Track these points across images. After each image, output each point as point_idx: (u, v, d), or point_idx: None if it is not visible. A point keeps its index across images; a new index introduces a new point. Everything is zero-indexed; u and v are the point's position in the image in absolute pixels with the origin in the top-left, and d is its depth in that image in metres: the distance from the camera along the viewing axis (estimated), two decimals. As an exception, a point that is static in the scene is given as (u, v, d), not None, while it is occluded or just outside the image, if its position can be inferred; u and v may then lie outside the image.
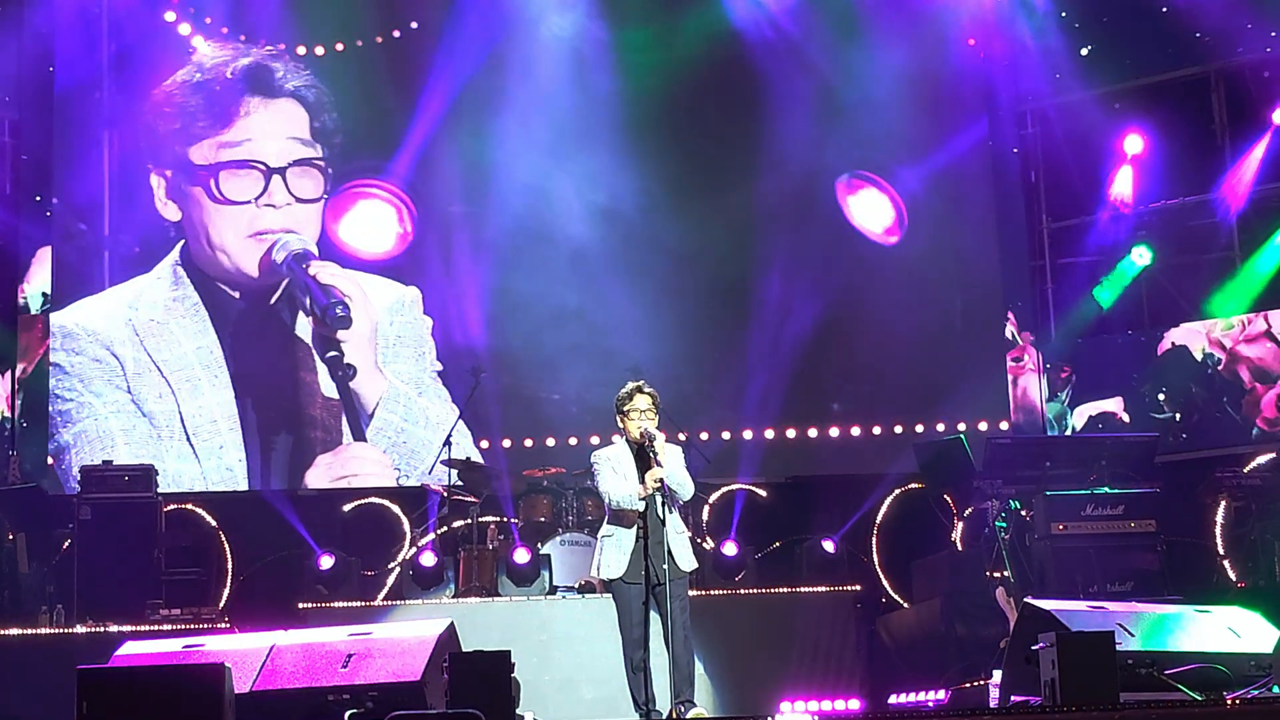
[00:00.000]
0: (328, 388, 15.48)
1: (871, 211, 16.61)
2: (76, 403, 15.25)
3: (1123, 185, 16.48)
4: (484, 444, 15.57)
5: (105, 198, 15.74)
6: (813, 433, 16.06)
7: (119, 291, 15.57)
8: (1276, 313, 15.83)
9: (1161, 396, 16.08)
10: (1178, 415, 15.97)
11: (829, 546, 14.60)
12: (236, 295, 15.62)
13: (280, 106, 15.80)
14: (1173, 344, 16.24)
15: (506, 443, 15.59)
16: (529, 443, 15.65)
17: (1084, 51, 16.54)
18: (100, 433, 15.15)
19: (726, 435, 15.87)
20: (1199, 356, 16.04)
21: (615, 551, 10.15)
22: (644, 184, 15.85)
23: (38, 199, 15.78)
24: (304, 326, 15.60)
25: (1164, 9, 16.11)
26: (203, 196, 15.60)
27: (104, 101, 15.83)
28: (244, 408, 15.42)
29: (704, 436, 15.50)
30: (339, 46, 16.09)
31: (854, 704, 12.69)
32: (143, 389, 15.28)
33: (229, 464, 15.35)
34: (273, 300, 15.62)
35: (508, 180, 15.86)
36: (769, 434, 15.96)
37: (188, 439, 15.26)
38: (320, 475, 15.40)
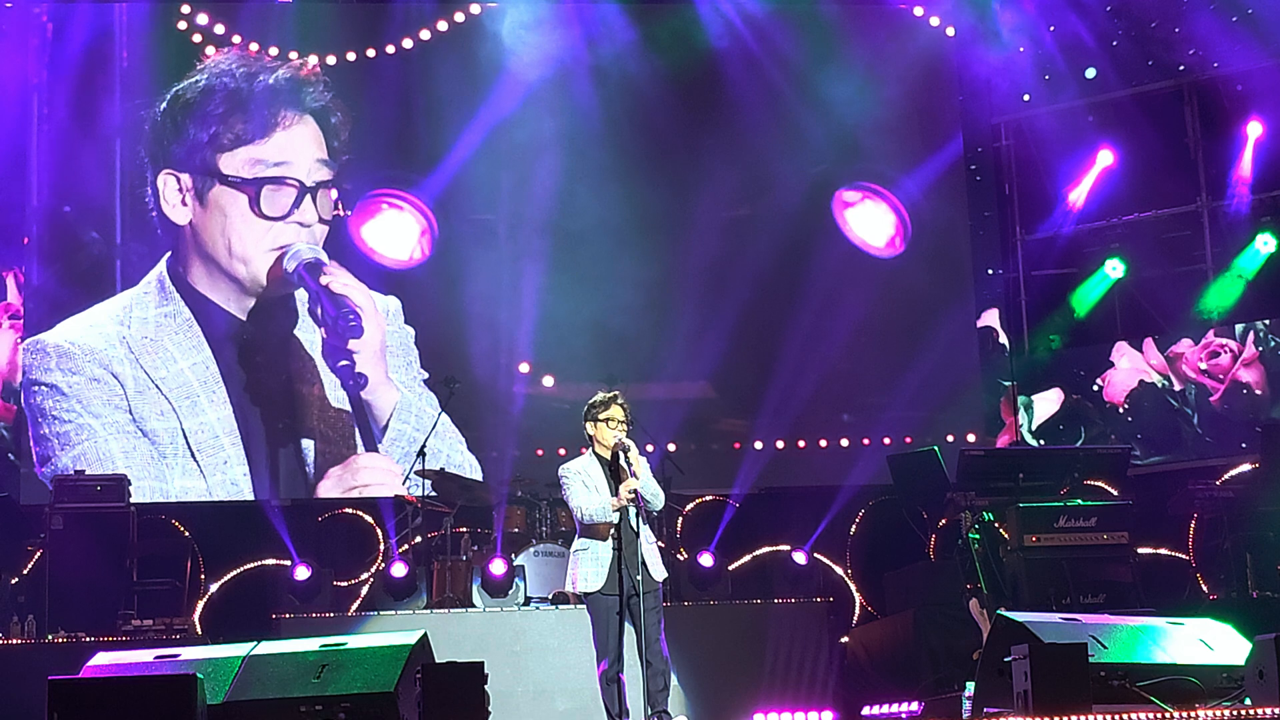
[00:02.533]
0: (334, 399, 15.41)
1: (870, 223, 16.62)
2: (75, 424, 15.09)
3: (1079, 193, 16.57)
4: (494, 453, 15.58)
5: (116, 206, 15.67)
6: (786, 444, 16.06)
7: (106, 308, 15.44)
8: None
9: (1155, 458, 16.04)
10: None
11: (799, 558, 14.60)
12: (241, 309, 15.49)
13: (308, 124, 15.73)
14: (1140, 382, 16.26)
15: (516, 453, 15.58)
16: (540, 452, 15.62)
17: (1053, 65, 16.64)
18: (100, 454, 14.97)
19: (695, 447, 15.88)
20: (1162, 384, 16.07)
21: (592, 564, 10.17)
22: (644, 201, 15.95)
23: (66, 209, 15.71)
24: (310, 337, 15.54)
25: (1136, 22, 16.19)
26: (231, 206, 15.47)
27: (117, 109, 15.75)
28: (246, 421, 15.33)
29: (672, 448, 15.52)
30: (350, 56, 16.06)
31: (827, 715, 12.70)
32: (143, 408, 15.15)
33: (234, 479, 15.26)
34: (273, 313, 15.55)
35: (525, 194, 15.90)
36: (742, 446, 15.98)
37: (192, 455, 15.18)
38: (331, 486, 15.33)
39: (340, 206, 15.70)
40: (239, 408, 15.33)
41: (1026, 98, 16.93)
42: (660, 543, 10.60)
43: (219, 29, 15.90)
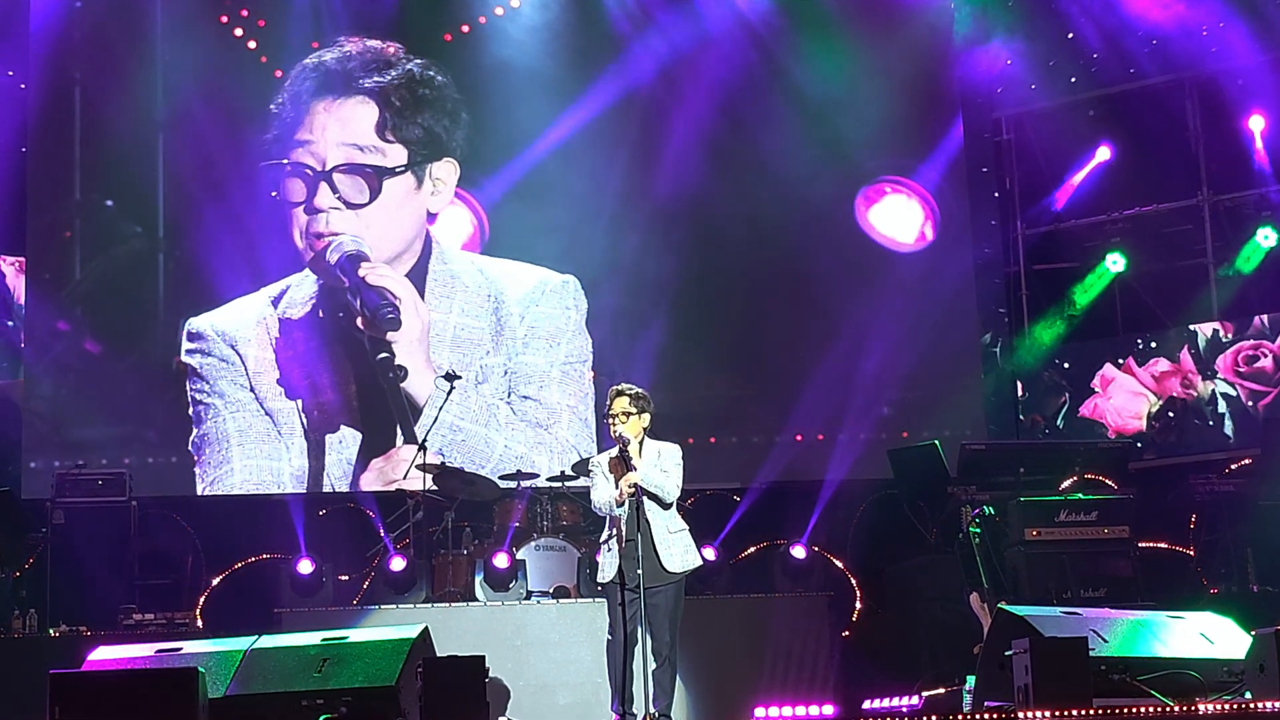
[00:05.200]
0: (373, 389, 15.33)
1: (897, 218, 16.60)
2: (204, 404, 15.23)
3: (1074, 181, 16.61)
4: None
5: (159, 200, 15.67)
6: (786, 438, 16.05)
7: (267, 290, 15.48)
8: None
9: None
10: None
11: (799, 553, 14.59)
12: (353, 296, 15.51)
13: (348, 106, 15.66)
14: (1171, 398, 16.14)
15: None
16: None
17: (1055, 59, 16.65)
18: (219, 434, 15.16)
19: (698, 442, 15.87)
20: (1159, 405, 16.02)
21: (608, 555, 10.26)
22: (661, 199, 16.01)
23: (109, 203, 15.69)
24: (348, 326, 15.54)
25: (1139, 16, 16.20)
26: (280, 200, 15.57)
27: (159, 104, 15.72)
28: (356, 405, 15.37)
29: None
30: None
31: (828, 709, 12.68)
32: (264, 387, 15.25)
33: (349, 458, 15.31)
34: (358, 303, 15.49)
35: (559, 197, 15.99)
36: (740, 440, 15.98)
37: (305, 435, 15.28)
38: (373, 479, 15.28)
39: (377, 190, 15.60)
40: (348, 393, 15.37)
41: (1009, 103, 17.00)
42: (686, 527, 10.51)
43: (260, 23, 15.88)
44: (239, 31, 15.86)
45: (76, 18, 15.75)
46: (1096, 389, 16.39)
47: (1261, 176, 16.04)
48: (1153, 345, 16.22)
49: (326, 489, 15.29)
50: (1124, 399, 16.26)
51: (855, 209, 16.44)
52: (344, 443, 15.34)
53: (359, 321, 15.30)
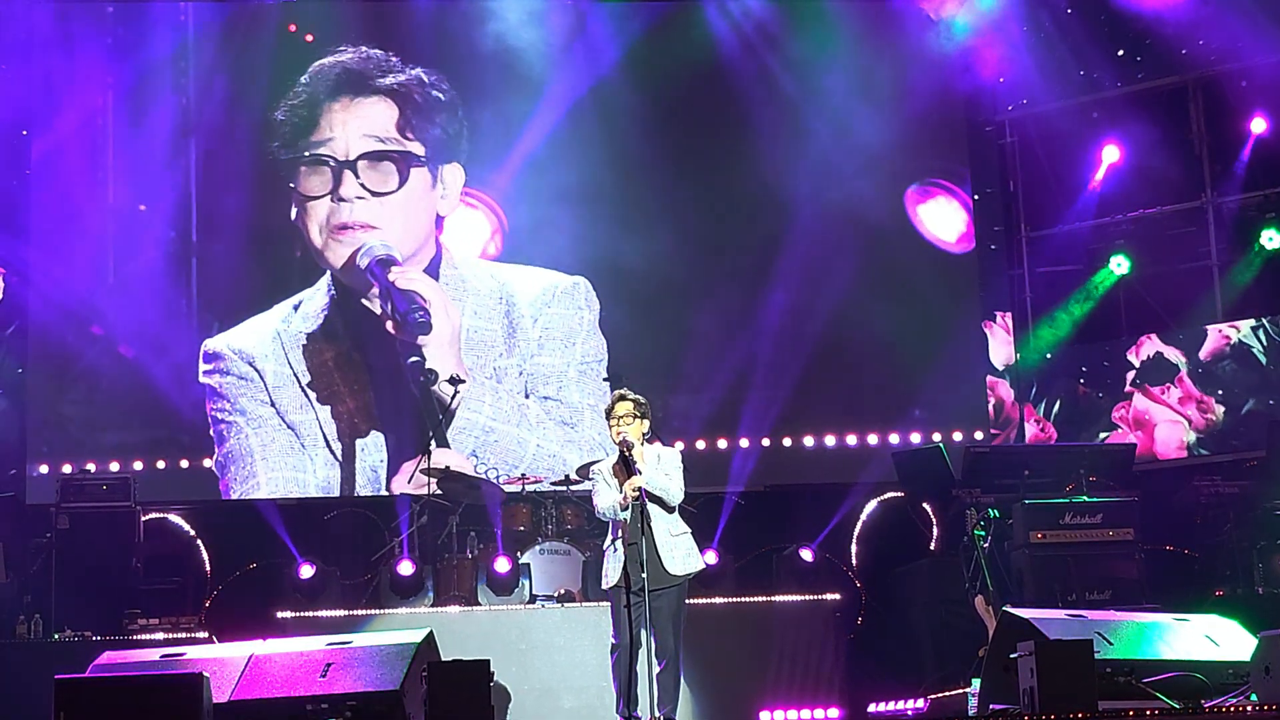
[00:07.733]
0: (406, 393, 15.37)
1: (943, 220, 16.65)
2: (226, 423, 15.28)
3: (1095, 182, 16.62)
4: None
5: (192, 204, 15.73)
6: (791, 441, 16.04)
7: (280, 307, 15.57)
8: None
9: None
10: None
11: (807, 555, 14.59)
12: (372, 305, 15.54)
13: (367, 104, 15.74)
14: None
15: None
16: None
17: (1057, 62, 16.64)
18: (242, 451, 15.21)
19: (702, 445, 15.87)
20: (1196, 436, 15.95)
21: (613, 560, 10.23)
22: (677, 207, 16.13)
23: (142, 208, 15.76)
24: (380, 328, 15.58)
25: (1142, 18, 16.20)
26: (293, 196, 15.62)
27: (192, 108, 15.80)
28: (375, 411, 15.43)
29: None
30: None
31: (833, 713, 12.70)
32: (284, 400, 15.31)
33: (373, 464, 15.37)
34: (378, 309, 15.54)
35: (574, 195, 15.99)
36: (746, 443, 15.97)
37: (327, 445, 15.32)
38: (404, 482, 15.26)
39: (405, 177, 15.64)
40: (370, 398, 15.41)
41: (1012, 105, 16.98)
42: (689, 530, 10.51)
43: (290, 27, 15.96)
44: (267, 36, 15.93)
45: (109, 22, 15.82)
46: (1120, 424, 16.29)
47: (1265, 178, 16.03)
48: (1151, 354, 16.22)
49: (357, 495, 15.37)
50: (1166, 430, 16.15)
51: (905, 205, 16.51)
52: (366, 450, 15.41)
53: (389, 326, 15.33)
